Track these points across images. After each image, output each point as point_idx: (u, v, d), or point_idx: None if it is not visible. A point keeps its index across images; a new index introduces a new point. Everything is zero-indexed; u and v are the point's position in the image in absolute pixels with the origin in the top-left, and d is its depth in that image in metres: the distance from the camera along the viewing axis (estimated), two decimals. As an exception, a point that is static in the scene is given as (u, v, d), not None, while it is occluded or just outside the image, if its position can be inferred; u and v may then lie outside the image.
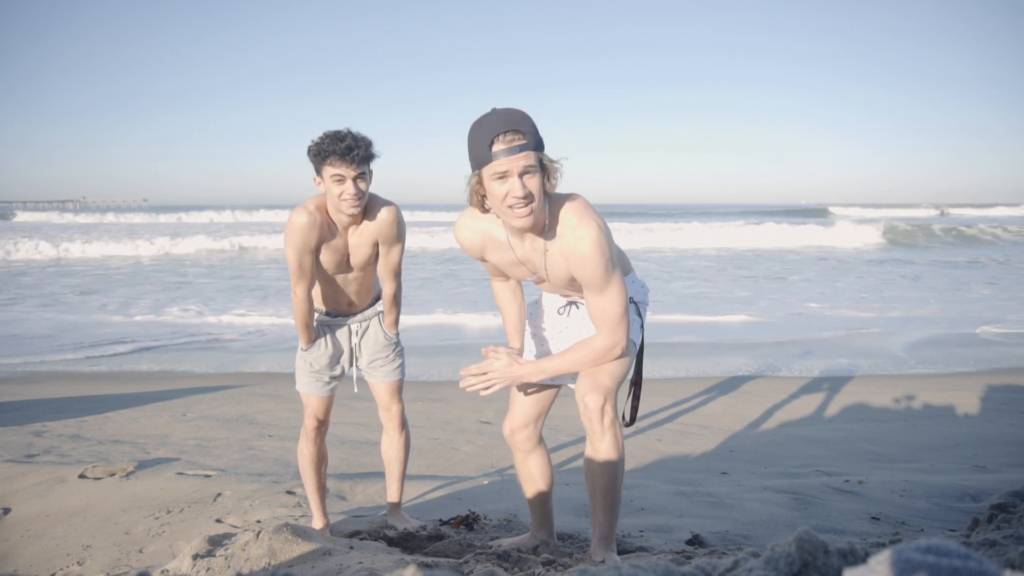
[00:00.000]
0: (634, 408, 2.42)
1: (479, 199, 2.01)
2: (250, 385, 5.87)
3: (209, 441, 4.21)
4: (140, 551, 2.66)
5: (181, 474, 3.48)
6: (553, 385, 2.38)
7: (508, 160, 1.88)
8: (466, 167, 2.00)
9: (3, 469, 3.49)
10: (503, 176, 1.90)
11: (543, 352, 2.38)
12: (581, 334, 2.27)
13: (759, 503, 3.13)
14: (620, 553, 2.39)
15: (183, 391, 5.63)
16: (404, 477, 2.92)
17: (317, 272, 2.59)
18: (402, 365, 2.82)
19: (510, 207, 1.92)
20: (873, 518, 2.95)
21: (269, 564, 2.04)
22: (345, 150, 2.33)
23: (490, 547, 2.33)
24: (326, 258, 2.55)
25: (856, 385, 5.87)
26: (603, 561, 2.14)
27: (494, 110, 1.95)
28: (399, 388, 2.82)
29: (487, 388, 2.20)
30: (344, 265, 2.59)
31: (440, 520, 2.89)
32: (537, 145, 1.93)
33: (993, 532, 1.97)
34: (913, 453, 4.10)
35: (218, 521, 2.90)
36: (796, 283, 13.40)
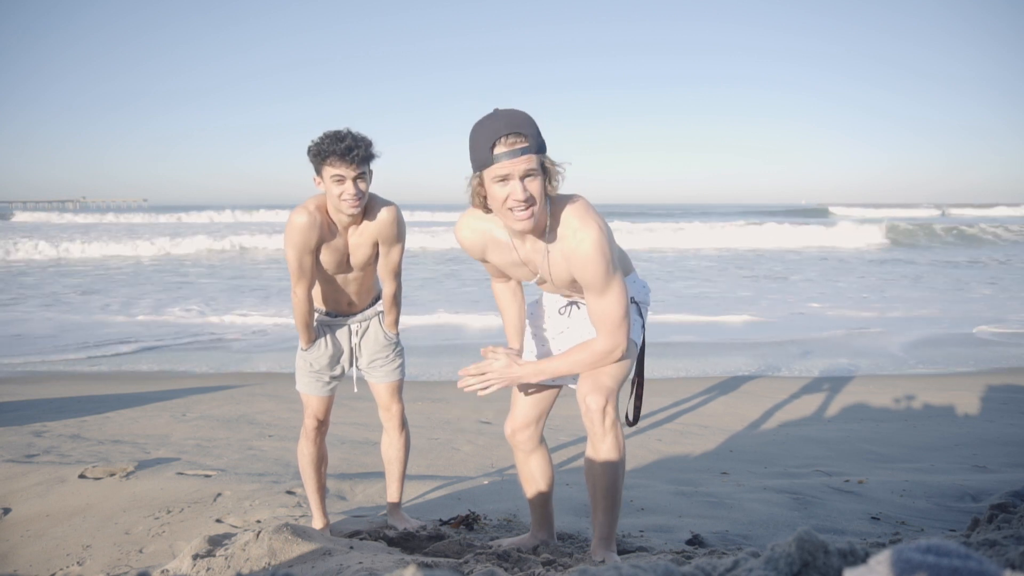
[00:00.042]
0: (637, 408, 2.42)
1: (480, 200, 2.00)
2: (250, 385, 5.87)
3: (209, 441, 4.21)
4: (140, 551, 2.66)
5: (181, 474, 3.48)
6: (554, 385, 2.38)
7: (510, 163, 1.87)
8: (467, 167, 1.99)
9: (3, 469, 3.49)
10: (504, 179, 1.89)
11: (544, 352, 2.38)
12: (582, 334, 2.26)
13: (759, 503, 3.13)
14: (620, 553, 2.39)
15: (183, 391, 5.64)
16: (404, 477, 2.92)
17: (317, 272, 2.59)
18: (402, 365, 2.82)
19: (510, 209, 1.92)
20: (873, 518, 2.95)
21: (269, 564, 2.04)
22: (345, 150, 2.33)
23: (490, 547, 2.33)
24: (326, 258, 2.55)
25: (856, 385, 5.87)
26: (603, 561, 2.14)
27: (496, 111, 1.94)
28: (399, 388, 2.82)
29: (485, 389, 2.19)
30: (344, 265, 2.59)
31: (440, 520, 2.89)
32: (539, 148, 1.92)
33: (993, 532, 1.97)
34: (913, 453, 4.10)
35: (218, 521, 2.90)
36: (797, 283, 13.40)
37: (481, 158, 1.91)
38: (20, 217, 44.01)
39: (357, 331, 2.75)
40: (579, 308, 2.33)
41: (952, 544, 0.72)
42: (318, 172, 2.42)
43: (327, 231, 2.51)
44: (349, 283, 2.66)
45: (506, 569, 2.09)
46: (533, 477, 2.44)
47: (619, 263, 2.09)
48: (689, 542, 2.64)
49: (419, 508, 3.13)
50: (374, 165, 2.47)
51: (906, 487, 3.31)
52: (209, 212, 44.62)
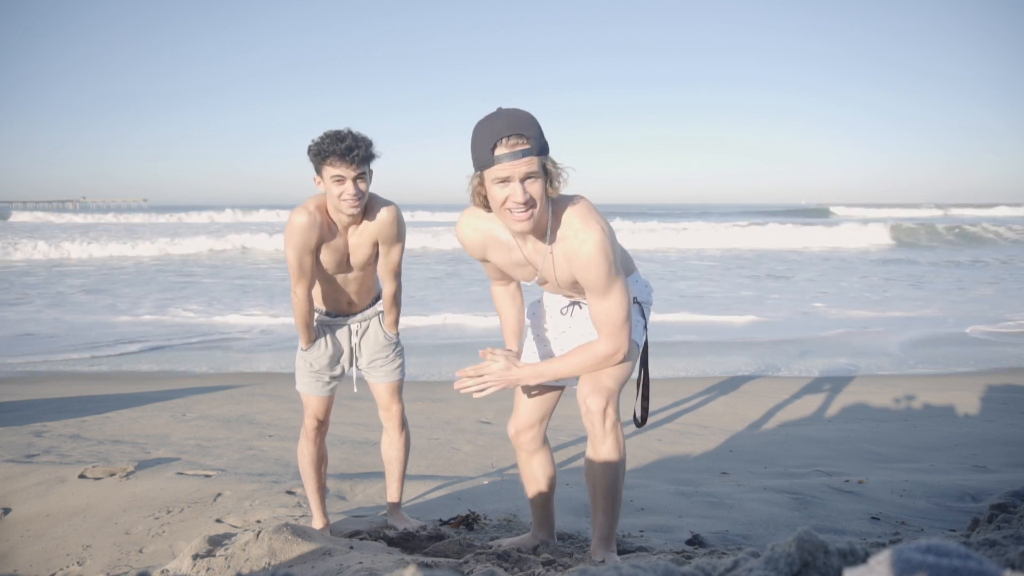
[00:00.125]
0: (644, 408, 2.40)
1: (481, 200, 1.99)
2: (250, 385, 5.87)
3: (209, 441, 4.21)
4: (140, 551, 2.66)
5: (181, 474, 3.48)
6: (558, 386, 2.38)
7: (510, 165, 1.86)
8: (468, 166, 1.98)
9: (3, 469, 3.49)
10: (504, 181, 1.88)
11: (545, 353, 2.37)
12: (584, 335, 2.26)
13: (759, 503, 3.13)
14: (620, 553, 2.38)
15: (183, 391, 5.64)
16: (404, 477, 2.92)
17: (317, 272, 2.59)
18: (402, 365, 2.82)
19: (509, 211, 1.91)
20: (873, 518, 2.95)
21: (269, 564, 2.04)
22: (345, 150, 2.33)
23: (490, 547, 2.33)
24: (326, 258, 2.55)
25: (856, 385, 5.87)
26: (603, 561, 2.14)
27: (499, 110, 1.92)
28: (399, 388, 2.82)
29: (482, 391, 2.17)
30: (344, 265, 2.59)
31: (440, 520, 2.89)
32: (541, 149, 1.90)
33: (993, 532, 1.97)
34: (913, 453, 4.10)
35: (218, 521, 2.90)
36: (800, 283, 13.40)
37: (482, 158, 1.89)
38: (19, 217, 43.96)
39: (357, 331, 2.75)
40: (581, 308, 2.32)
41: (952, 544, 0.72)
42: (318, 172, 2.42)
43: (327, 231, 2.51)
44: (349, 283, 2.65)
45: (506, 569, 2.09)
46: (535, 477, 2.44)
47: (621, 264, 2.08)
48: (689, 542, 2.64)
49: (419, 508, 3.13)
50: (374, 165, 2.47)
51: (906, 487, 3.31)
52: (209, 212, 44.64)
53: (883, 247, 23.17)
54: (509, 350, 2.28)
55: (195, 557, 2.14)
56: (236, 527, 2.83)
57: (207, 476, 3.46)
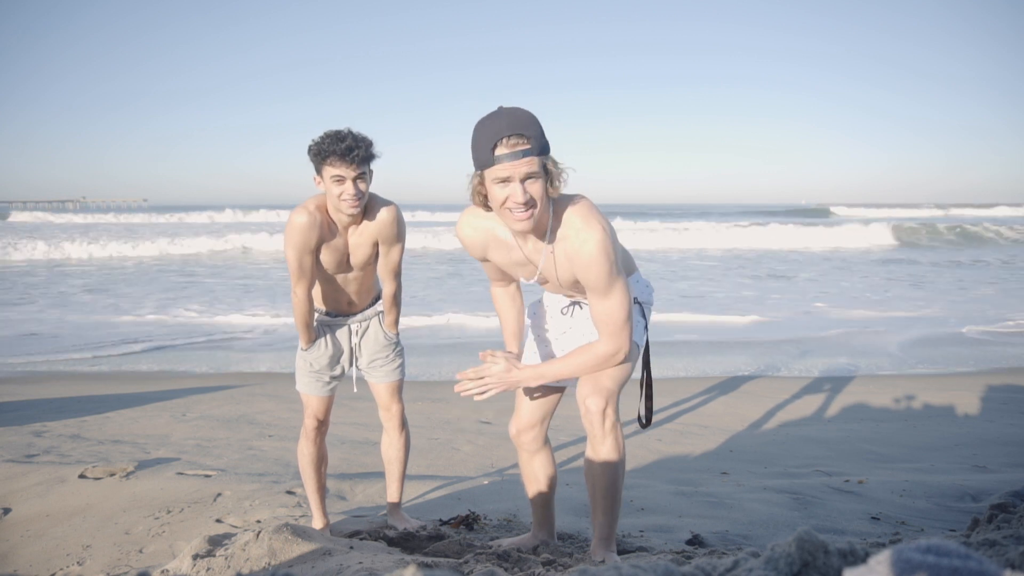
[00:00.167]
0: (648, 409, 2.38)
1: (481, 199, 1.98)
2: (250, 385, 5.87)
3: (209, 441, 4.21)
4: (140, 551, 2.66)
5: (181, 474, 3.48)
6: (559, 386, 2.37)
7: (511, 165, 1.85)
8: (468, 165, 1.97)
9: (3, 469, 3.49)
10: (505, 181, 1.87)
11: (546, 353, 2.37)
12: (585, 335, 2.25)
13: (759, 503, 3.13)
14: (620, 553, 2.38)
15: (183, 391, 5.64)
16: (404, 477, 2.92)
17: (317, 272, 2.59)
18: (402, 365, 2.82)
19: (509, 210, 1.91)
20: (873, 518, 2.95)
21: (269, 564, 2.04)
22: (345, 150, 2.33)
23: (490, 547, 2.33)
24: (326, 258, 2.55)
25: (856, 385, 5.87)
26: (603, 561, 2.14)
27: (500, 109, 1.91)
28: (399, 388, 2.82)
29: (483, 393, 2.16)
30: (344, 265, 2.59)
31: (440, 520, 2.89)
32: (542, 149, 1.89)
33: (993, 532, 1.97)
34: (913, 453, 4.10)
35: (218, 521, 2.90)
36: (801, 283, 13.41)
37: (482, 158, 1.89)
38: (18, 217, 43.93)
39: (357, 331, 2.75)
40: (581, 308, 2.31)
41: (952, 544, 0.72)
42: (318, 172, 2.42)
43: (327, 231, 2.51)
44: (349, 283, 2.65)
45: (506, 569, 2.09)
46: (536, 477, 2.43)
47: (622, 264, 2.07)
48: (689, 542, 2.64)
49: (419, 508, 3.13)
50: (374, 165, 2.47)
51: (906, 487, 3.31)
52: (209, 212, 44.64)
53: (885, 247, 23.15)
54: (509, 352, 2.27)
55: (195, 557, 2.14)
56: (236, 527, 2.83)
57: (207, 476, 3.46)
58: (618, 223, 29.25)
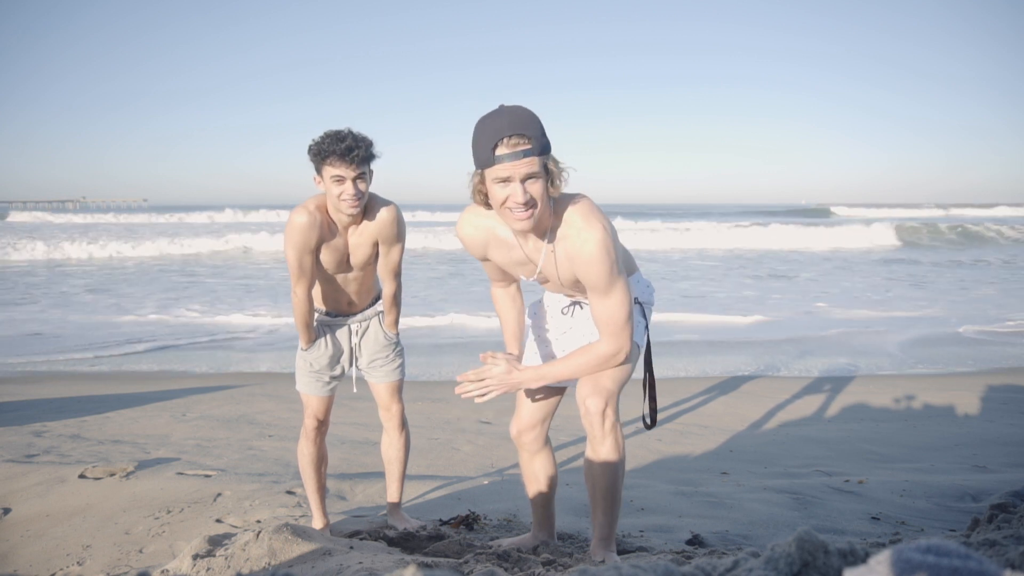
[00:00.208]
0: (653, 410, 2.37)
1: (482, 197, 1.98)
2: (250, 385, 5.87)
3: (209, 441, 4.21)
4: (140, 551, 2.66)
5: (181, 474, 3.48)
6: (560, 387, 2.37)
7: (511, 165, 1.84)
8: (468, 165, 1.97)
9: (3, 469, 3.49)
10: (505, 180, 1.87)
11: (547, 353, 2.36)
12: (585, 335, 2.25)
13: (759, 503, 3.13)
14: (620, 553, 2.38)
15: (183, 391, 5.64)
16: (404, 477, 2.92)
17: (317, 272, 2.59)
18: (402, 365, 2.82)
19: (510, 210, 1.90)
20: (873, 518, 2.95)
21: (269, 564, 2.04)
22: (345, 150, 2.33)
23: (490, 547, 2.33)
24: (326, 258, 2.55)
25: (856, 385, 5.87)
26: (603, 561, 2.14)
27: (502, 108, 1.90)
28: (399, 388, 2.82)
29: (483, 395, 2.15)
30: (344, 265, 2.59)
31: (440, 520, 2.89)
32: (543, 149, 1.88)
33: (993, 532, 1.97)
34: (913, 453, 4.10)
35: (218, 521, 2.90)
36: (803, 283, 13.41)
37: (483, 157, 1.88)
38: (17, 217, 43.91)
39: (357, 331, 2.75)
40: (582, 308, 2.31)
41: (952, 544, 0.72)
42: (318, 172, 2.42)
43: (327, 231, 2.51)
44: (349, 283, 2.65)
45: (506, 569, 2.09)
46: (536, 477, 2.43)
47: (623, 264, 2.06)
48: (689, 542, 2.64)
49: (419, 508, 3.13)
50: (374, 165, 2.47)
51: (906, 487, 3.31)
52: (209, 212, 44.65)
53: (886, 247, 23.13)
54: (510, 353, 2.26)
55: (195, 557, 2.14)
56: (236, 527, 2.83)
57: (207, 476, 3.46)
58: (619, 223, 29.25)
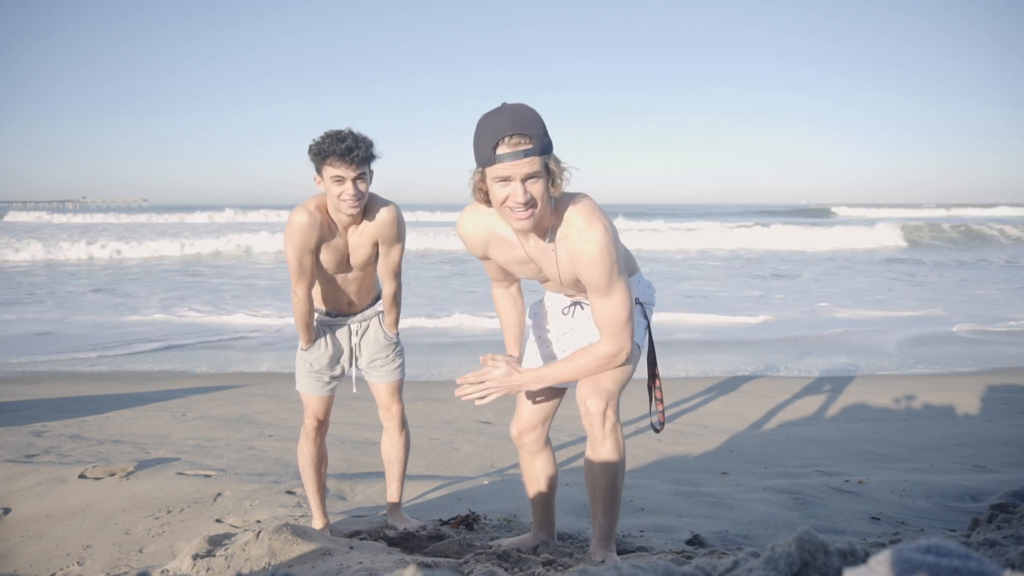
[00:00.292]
0: (660, 413, 2.33)
1: (482, 195, 1.98)
2: (250, 385, 5.87)
3: (209, 441, 4.21)
4: (140, 551, 2.66)
5: (181, 474, 3.48)
6: (561, 387, 2.37)
7: (511, 165, 1.84)
8: (468, 164, 1.97)
9: (3, 469, 3.49)
10: (505, 180, 1.86)
11: (547, 354, 2.36)
12: (586, 335, 2.24)
13: (759, 503, 3.13)
14: (620, 553, 2.38)
15: (183, 391, 5.64)
16: (404, 477, 2.92)
17: (317, 272, 2.59)
18: (402, 365, 2.82)
19: (510, 209, 1.90)
20: (873, 518, 2.95)
21: (269, 564, 2.04)
22: (345, 151, 2.33)
23: (490, 547, 2.33)
24: (326, 258, 2.55)
25: (856, 385, 5.87)
26: (603, 561, 2.14)
27: (504, 106, 1.89)
28: (399, 388, 2.82)
29: (483, 398, 2.15)
30: (344, 265, 2.59)
31: (440, 520, 2.89)
32: (544, 149, 1.87)
33: (993, 532, 1.97)
34: (913, 453, 4.10)
35: (218, 521, 2.90)
36: (806, 283, 13.41)
37: (484, 156, 1.88)
38: (17, 217, 43.88)
39: (357, 331, 2.75)
40: (583, 309, 2.30)
41: (952, 544, 0.72)
42: (318, 172, 2.42)
43: (327, 231, 2.51)
44: (349, 283, 2.65)
45: (506, 569, 2.09)
46: (536, 478, 2.43)
47: (624, 264, 2.06)
48: (689, 542, 2.64)
49: (419, 508, 3.13)
50: (375, 165, 2.47)
51: (906, 487, 3.31)
52: (210, 212, 44.65)
53: (890, 247, 23.09)
54: (510, 355, 2.26)
55: (195, 557, 2.14)
56: (236, 527, 2.83)
57: (207, 476, 3.46)
58: (621, 223, 29.24)
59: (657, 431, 2.34)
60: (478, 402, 2.15)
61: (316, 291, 2.69)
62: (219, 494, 3.19)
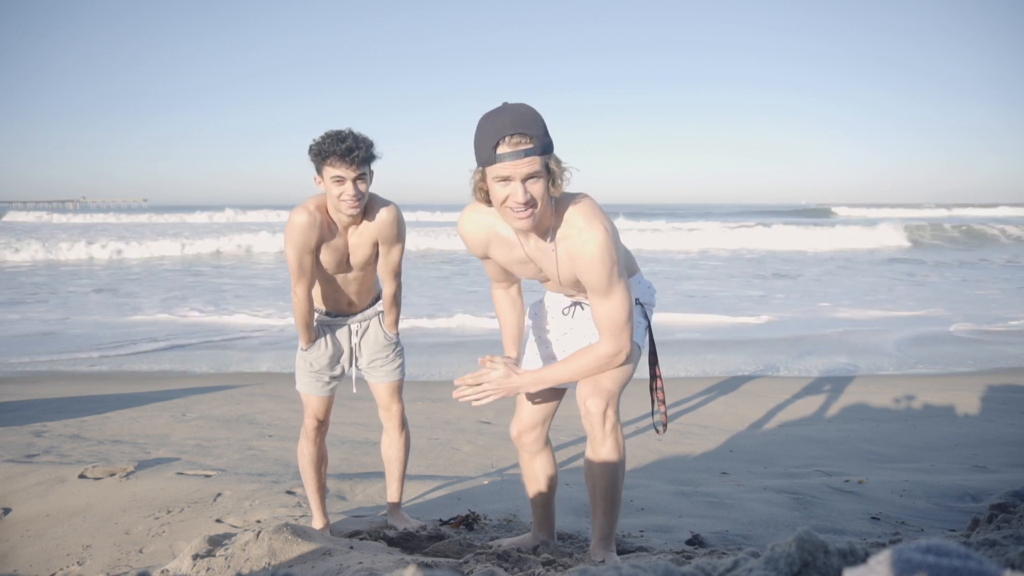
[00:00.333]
0: (663, 414, 2.33)
1: (483, 195, 1.98)
2: (250, 385, 5.87)
3: (209, 441, 4.21)
4: (140, 551, 2.66)
5: (181, 474, 3.48)
6: (561, 388, 2.36)
7: (512, 165, 1.84)
8: (468, 164, 1.96)
9: (3, 469, 3.49)
10: (506, 180, 1.86)
11: (547, 354, 2.36)
12: (586, 336, 2.24)
13: (759, 503, 3.13)
14: (620, 553, 2.38)
15: (183, 391, 5.64)
16: (404, 477, 2.92)
17: (317, 272, 2.59)
18: (402, 365, 2.82)
19: (510, 209, 1.90)
20: (873, 518, 2.95)
21: (269, 564, 2.04)
22: (345, 151, 2.33)
23: (490, 547, 2.33)
24: (326, 258, 2.55)
25: (856, 385, 5.87)
26: (603, 561, 2.14)
27: (505, 105, 1.89)
28: (399, 388, 2.82)
29: (481, 400, 2.14)
30: (344, 265, 2.59)
31: (440, 520, 2.89)
32: (545, 148, 1.87)
33: (993, 532, 1.97)
34: (913, 453, 4.09)
35: (218, 521, 2.90)
36: (807, 283, 13.40)
37: (484, 156, 1.88)
38: (17, 217, 43.87)
39: (357, 331, 2.75)
40: (583, 309, 2.30)
41: (952, 544, 0.72)
42: (318, 172, 2.42)
43: (327, 231, 2.51)
44: (349, 283, 2.65)
45: (506, 569, 2.09)
46: (536, 478, 2.43)
47: (624, 265, 2.06)
48: (689, 542, 2.64)
49: (419, 508, 3.13)
50: (375, 165, 2.47)
51: (906, 487, 3.31)
52: (210, 212, 44.65)
53: (891, 247, 23.08)
54: (508, 357, 2.25)
55: (195, 557, 2.14)
56: (236, 527, 2.83)
57: (207, 476, 3.46)
58: (621, 223, 29.24)
59: (659, 432, 2.34)
60: (476, 404, 2.15)
61: (316, 291, 2.69)
62: (219, 494, 3.19)
